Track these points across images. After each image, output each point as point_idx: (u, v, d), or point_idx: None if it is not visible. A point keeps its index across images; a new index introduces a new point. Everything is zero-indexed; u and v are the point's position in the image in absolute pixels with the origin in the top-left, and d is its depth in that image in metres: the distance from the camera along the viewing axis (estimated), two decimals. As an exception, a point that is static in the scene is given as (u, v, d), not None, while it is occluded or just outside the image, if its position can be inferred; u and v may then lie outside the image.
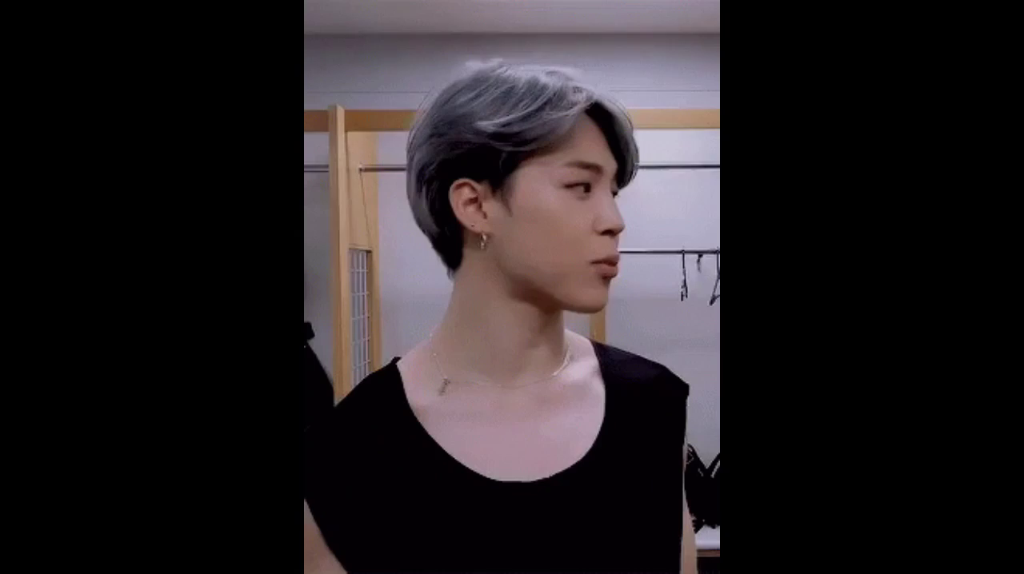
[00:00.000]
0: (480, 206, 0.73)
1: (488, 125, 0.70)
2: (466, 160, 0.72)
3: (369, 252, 2.54)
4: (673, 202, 2.61)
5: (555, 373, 0.80)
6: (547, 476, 0.74)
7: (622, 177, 0.77)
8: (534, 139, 0.70)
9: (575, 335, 0.86)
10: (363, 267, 2.50)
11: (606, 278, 0.74)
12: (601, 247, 0.73)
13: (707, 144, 2.48)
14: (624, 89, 2.62)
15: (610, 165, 0.75)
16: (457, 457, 0.74)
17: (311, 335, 2.61)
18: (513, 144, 0.71)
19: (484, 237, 0.73)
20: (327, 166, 2.17)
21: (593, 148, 0.73)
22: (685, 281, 2.45)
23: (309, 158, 2.43)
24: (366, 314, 2.52)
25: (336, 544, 0.73)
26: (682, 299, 2.47)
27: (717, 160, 2.28)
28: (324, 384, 2.50)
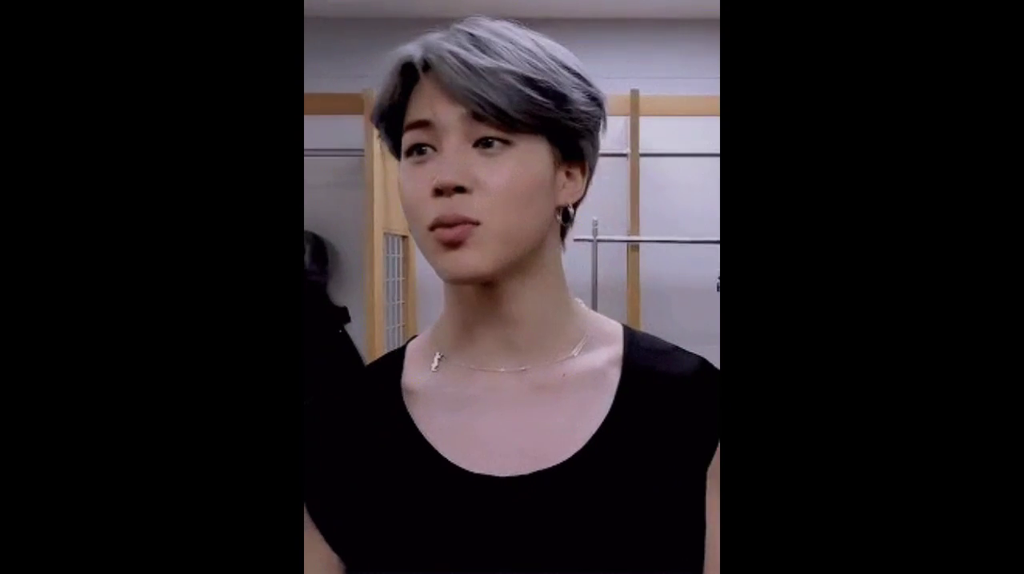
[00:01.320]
0: None
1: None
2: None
3: (404, 237, 2.54)
4: (712, 191, 2.58)
5: (556, 361, 0.74)
6: (525, 473, 0.69)
7: (504, 120, 0.66)
8: (380, 114, 0.72)
9: (605, 320, 0.80)
10: (399, 252, 2.51)
11: (446, 244, 0.67)
12: (432, 209, 0.67)
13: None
14: (657, 76, 2.59)
15: (444, 117, 0.67)
16: (435, 443, 0.72)
17: (347, 319, 2.62)
18: (382, 121, 0.73)
19: None
20: (363, 150, 2.17)
21: (421, 105, 0.69)
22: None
23: (345, 142, 2.43)
24: (401, 299, 2.52)
25: (319, 519, 0.73)
26: (718, 290, 2.44)
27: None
28: (359, 368, 2.51)
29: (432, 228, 0.67)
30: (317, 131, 2.53)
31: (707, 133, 2.48)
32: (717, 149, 2.41)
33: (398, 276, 2.50)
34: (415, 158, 0.69)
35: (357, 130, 2.21)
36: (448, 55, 0.67)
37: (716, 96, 2.32)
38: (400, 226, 2.43)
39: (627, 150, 2.45)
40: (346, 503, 0.73)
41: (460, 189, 0.66)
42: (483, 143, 0.67)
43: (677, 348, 0.79)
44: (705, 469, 0.72)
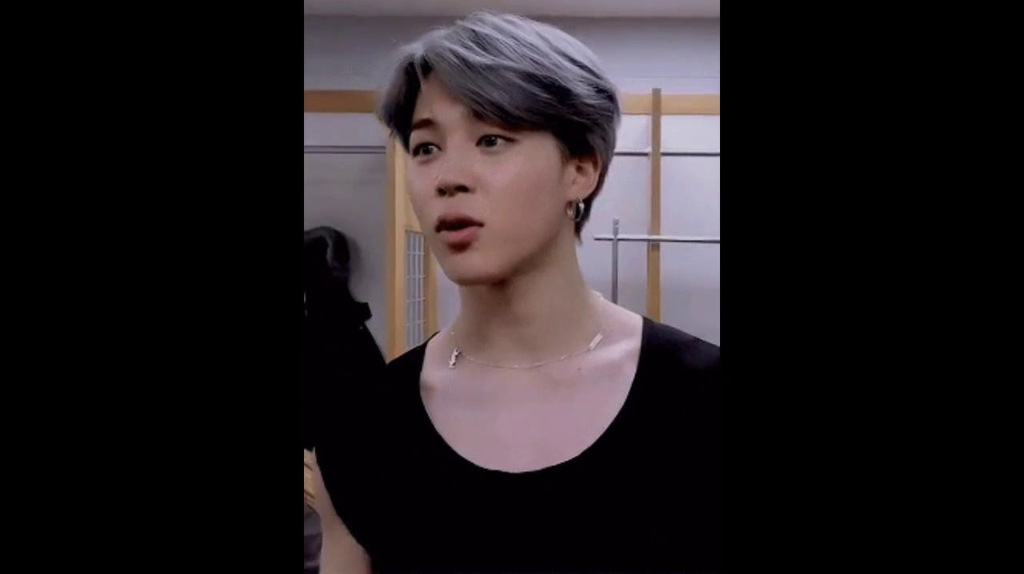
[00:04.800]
0: None
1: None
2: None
3: (425, 235, 2.54)
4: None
5: (571, 355, 0.73)
6: (536, 469, 0.69)
7: (506, 118, 0.66)
8: (387, 115, 0.72)
9: (625, 313, 0.79)
10: (419, 250, 2.51)
11: (452, 246, 0.67)
12: (435, 209, 0.67)
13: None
14: (677, 75, 2.59)
15: (448, 115, 0.67)
16: (449, 439, 0.72)
17: (368, 315, 2.63)
18: (390, 123, 0.73)
19: None
20: (384, 147, 2.18)
21: (426, 104, 0.69)
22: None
23: (367, 139, 2.45)
24: (422, 297, 2.53)
25: (344, 513, 0.75)
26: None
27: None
28: (380, 364, 2.53)
29: (438, 229, 0.67)
30: (340, 128, 2.56)
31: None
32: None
33: (419, 273, 2.51)
34: (421, 157, 0.69)
35: (380, 127, 2.22)
36: (448, 53, 0.66)
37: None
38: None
39: (648, 149, 2.45)
40: (366, 497, 0.74)
41: (463, 188, 0.66)
42: (486, 141, 0.67)
43: (698, 340, 0.77)
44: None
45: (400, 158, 2.15)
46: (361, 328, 2.63)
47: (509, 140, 0.67)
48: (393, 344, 2.13)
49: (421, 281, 2.53)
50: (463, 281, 0.69)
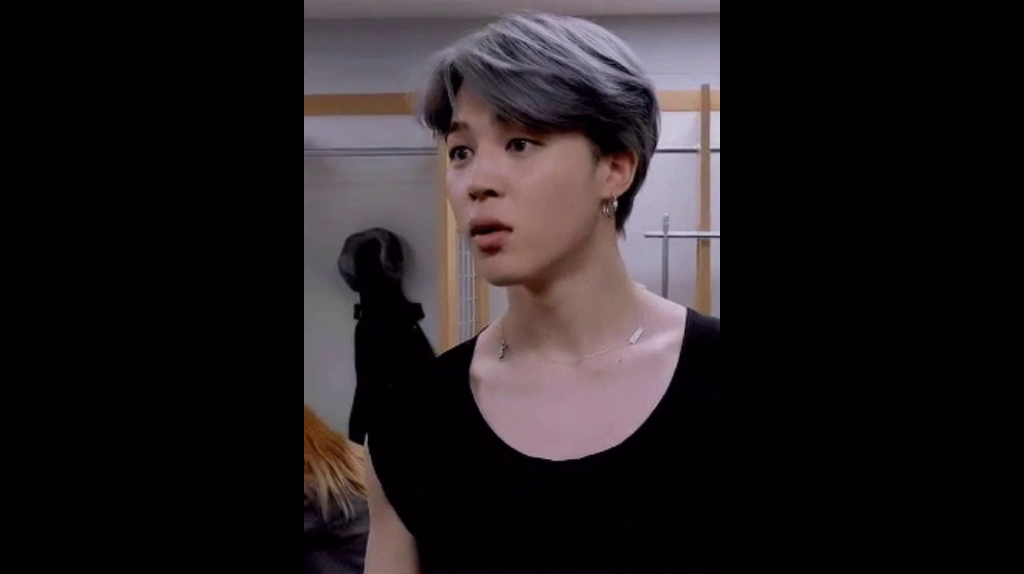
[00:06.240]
0: None
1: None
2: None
3: (477, 234, 2.56)
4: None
5: (614, 347, 0.75)
6: (579, 457, 0.71)
7: (532, 123, 0.67)
8: (424, 118, 0.73)
9: (670, 305, 0.80)
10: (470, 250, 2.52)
11: (483, 249, 0.68)
12: (467, 212, 0.69)
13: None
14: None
15: (479, 119, 0.68)
16: (495, 428, 0.74)
17: (421, 315, 2.67)
18: (429, 126, 0.74)
19: None
20: (436, 149, 2.20)
21: (460, 109, 0.70)
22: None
23: (418, 141, 2.47)
24: (474, 296, 2.55)
25: (394, 498, 0.77)
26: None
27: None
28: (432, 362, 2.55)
29: (472, 233, 0.69)
30: (392, 130, 2.59)
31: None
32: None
33: (470, 273, 2.53)
34: (457, 161, 0.71)
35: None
36: (475, 60, 0.67)
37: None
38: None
39: (697, 145, 2.44)
40: (416, 484, 0.76)
41: (491, 193, 0.67)
42: (515, 145, 0.68)
43: None
44: None
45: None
46: (414, 327, 2.67)
47: (537, 143, 0.68)
48: (446, 343, 2.15)
49: (473, 280, 2.55)
50: (496, 282, 0.70)
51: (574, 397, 0.74)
